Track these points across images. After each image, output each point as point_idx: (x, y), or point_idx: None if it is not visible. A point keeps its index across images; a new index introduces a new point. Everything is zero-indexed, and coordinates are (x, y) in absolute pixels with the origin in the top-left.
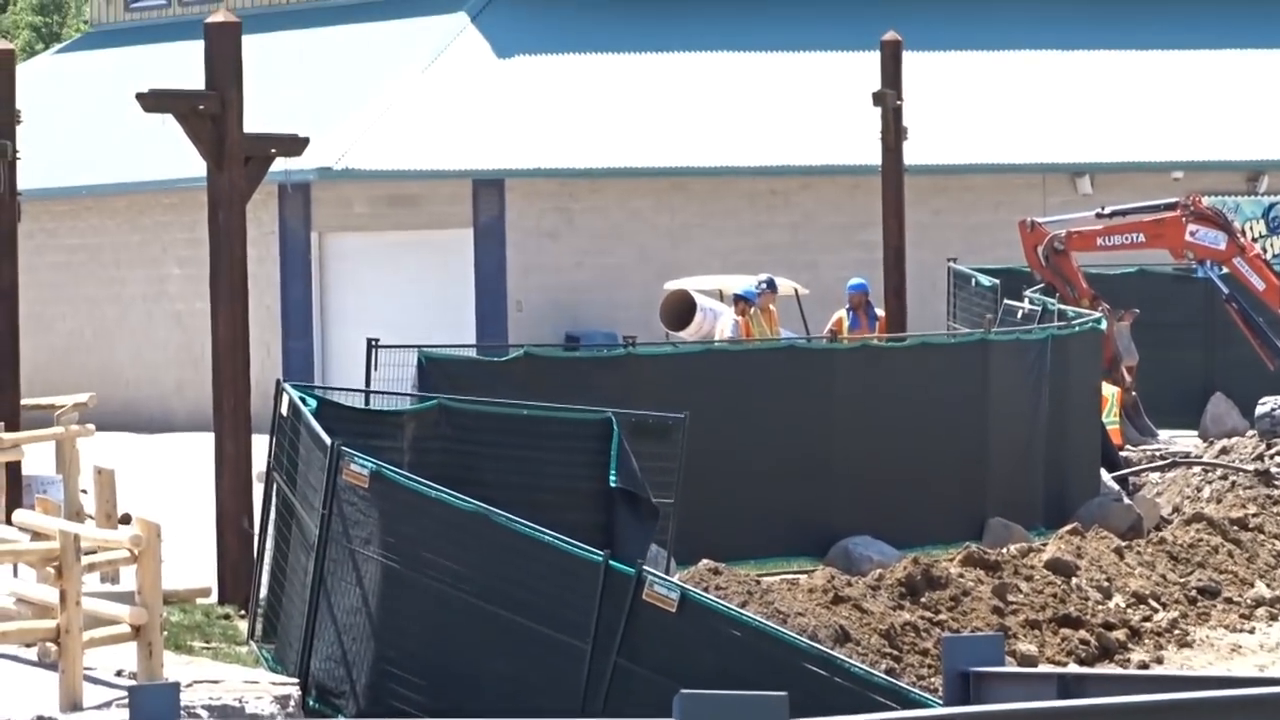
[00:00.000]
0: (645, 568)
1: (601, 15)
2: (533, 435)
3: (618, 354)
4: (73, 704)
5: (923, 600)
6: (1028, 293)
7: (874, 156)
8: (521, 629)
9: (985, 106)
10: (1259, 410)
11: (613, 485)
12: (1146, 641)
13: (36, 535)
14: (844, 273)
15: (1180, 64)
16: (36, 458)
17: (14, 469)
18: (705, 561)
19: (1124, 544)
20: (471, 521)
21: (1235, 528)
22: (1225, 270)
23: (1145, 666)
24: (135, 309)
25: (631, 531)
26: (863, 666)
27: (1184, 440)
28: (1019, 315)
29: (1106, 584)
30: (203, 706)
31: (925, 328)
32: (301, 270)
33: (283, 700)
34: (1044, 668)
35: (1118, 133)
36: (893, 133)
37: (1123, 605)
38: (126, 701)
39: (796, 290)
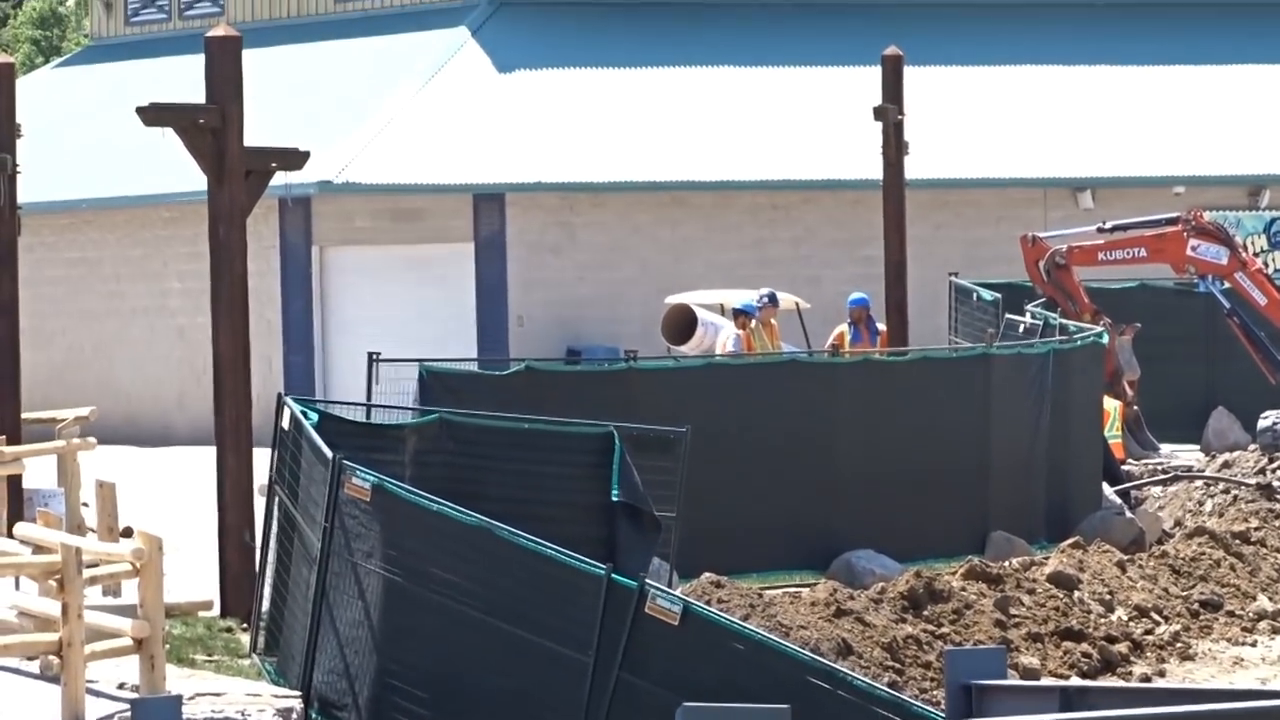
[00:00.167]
0: (647, 581)
1: (603, 29)
2: (534, 449)
3: (619, 368)
4: (75, 717)
5: (925, 613)
6: (1029, 307)
7: (875, 171)
8: (524, 642)
9: (986, 121)
10: (1261, 424)
11: (615, 499)
12: (1149, 654)
13: (38, 549)
14: (845, 287)
15: (1182, 79)
16: (38, 471)
17: (15, 482)
18: (708, 575)
19: (1126, 557)
20: (473, 535)
21: (1237, 541)
22: (1227, 285)
23: (1147, 679)
24: (136, 323)
25: (634, 545)
26: (865, 680)
27: (1186, 454)
28: (1020, 330)
29: (1109, 597)
30: (205, 719)
31: (927, 342)
32: (302, 284)
33: (285, 713)
34: (1046, 681)
35: (1119, 147)
36: (894, 147)
37: (1125, 618)
38: (129, 715)
39: (798, 305)
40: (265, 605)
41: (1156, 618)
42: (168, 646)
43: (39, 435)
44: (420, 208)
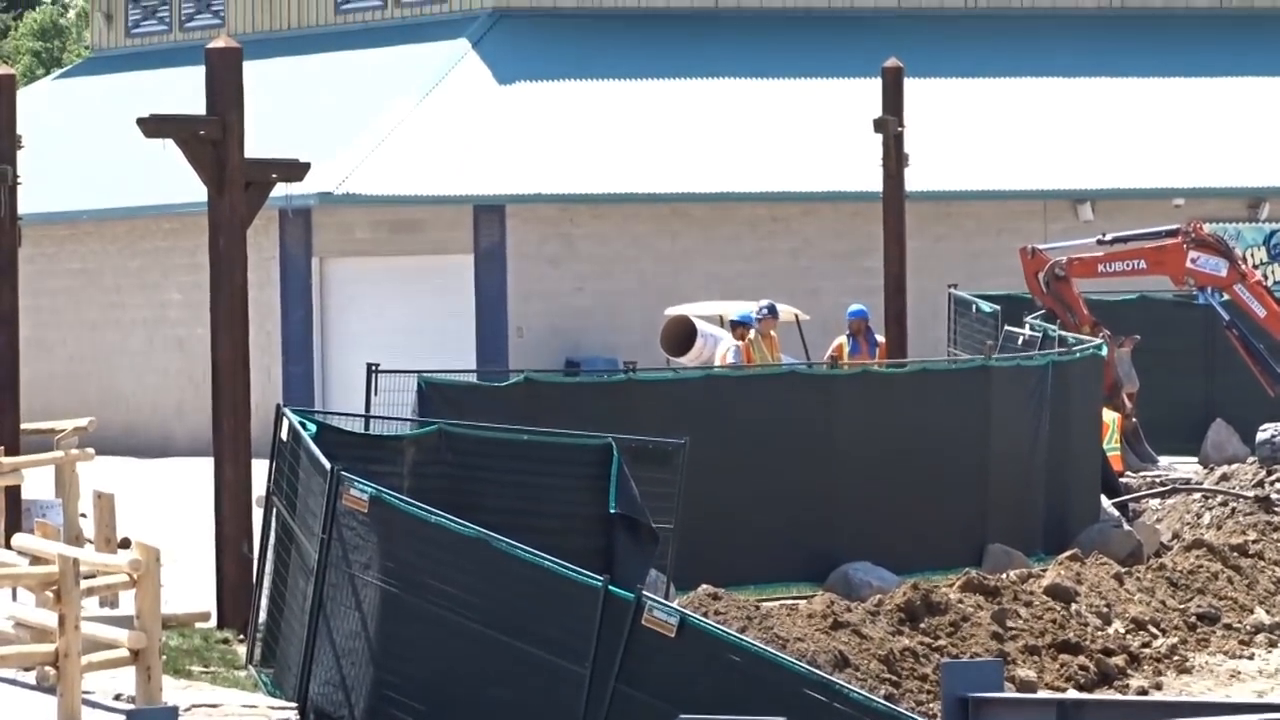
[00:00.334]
0: (644, 593)
1: (603, 41)
2: (533, 460)
3: (618, 379)
4: None
5: (922, 626)
6: (1029, 319)
7: (875, 183)
8: (521, 654)
9: (986, 133)
10: (1259, 437)
11: (612, 511)
12: (1145, 667)
13: (36, 559)
14: (845, 299)
15: (1181, 91)
16: (36, 482)
17: (13, 493)
18: (705, 587)
19: (1124, 570)
20: (471, 546)
21: (1235, 554)
22: (1226, 297)
23: (1144, 692)
24: (136, 334)
25: (631, 557)
26: (862, 692)
27: (1184, 466)
28: (1020, 341)
29: (1106, 610)
30: None
31: (926, 354)
32: (302, 295)
33: None
34: (1043, 693)
35: (1119, 159)
36: (894, 159)
37: (1122, 631)
38: None
39: (797, 316)
40: (262, 616)
41: (1154, 630)
42: (164, 657)
43: (38, 446)
44: (420, 219)
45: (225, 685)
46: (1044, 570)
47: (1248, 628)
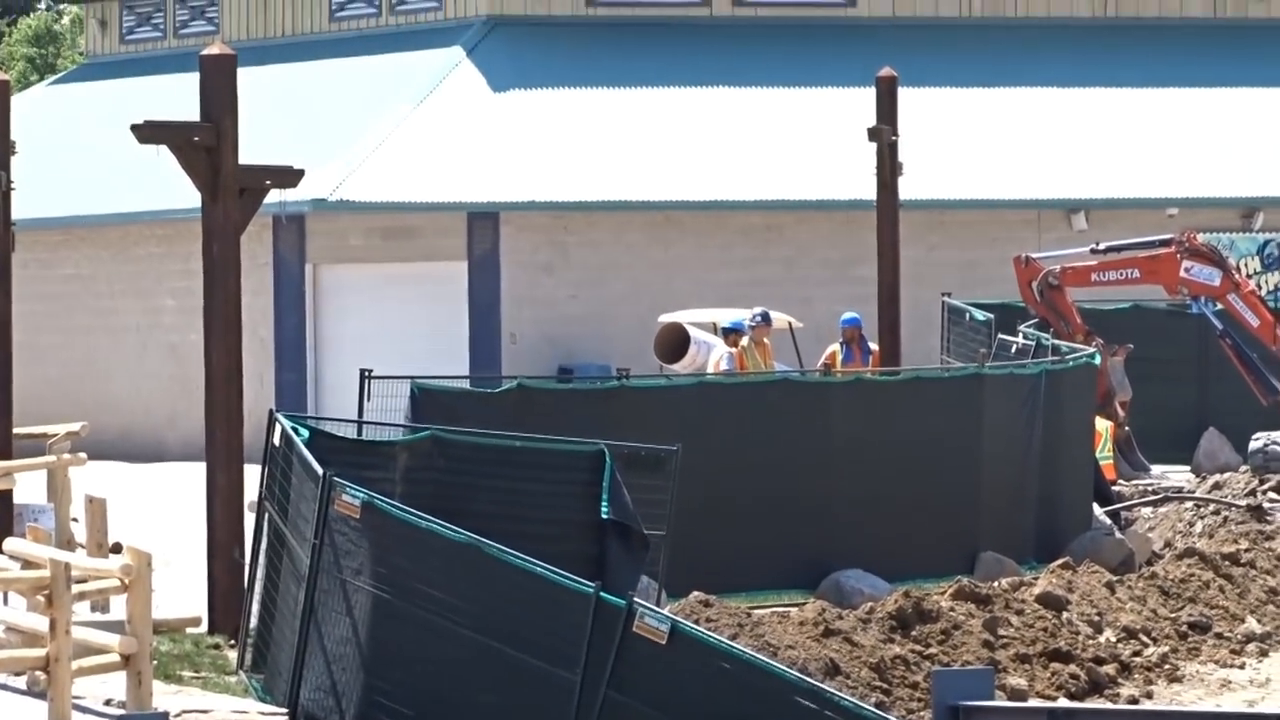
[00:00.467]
0: (636, 600)
1: (597, 49)
2: (525, 467)
3: (611, 386)
4: None
5: (913, 634)
6: (1022, 328)
7: (869, 192)
8: (512, 660)
9: (980, 142)
10: (1252, 446)
11: (605, 517)
12: (1136, 676)
13: (27, 564)
14: (838, 307)
15: (1176, 101)
16: (28, 486)
17: (6, 497)
18: (696, 594)
19: (1115, 578)
20: (463, 553)
21: (1227, 563)
22: (1219, 306)
23: (1135, 701)
24: (129, 339)
25: (623, 563)
26: (853, 700)
27: (1177, 475)
28: (1013, 350)
29: (1097, 618)
30: None
31: (919, 362)
32: (295, 302)
33: None
34: (1034, 702)
35: (1113, 169)
36: (888, 168)
37: (1113, 640)
38: None
39: (791, 324)
40: (253, 622)
41: (1145, 639)
42: (155, 663)
43: (30, 450)
44: (414, 226)
45: (216, 691)
46: (1035, 578)
47: (1239, 637)
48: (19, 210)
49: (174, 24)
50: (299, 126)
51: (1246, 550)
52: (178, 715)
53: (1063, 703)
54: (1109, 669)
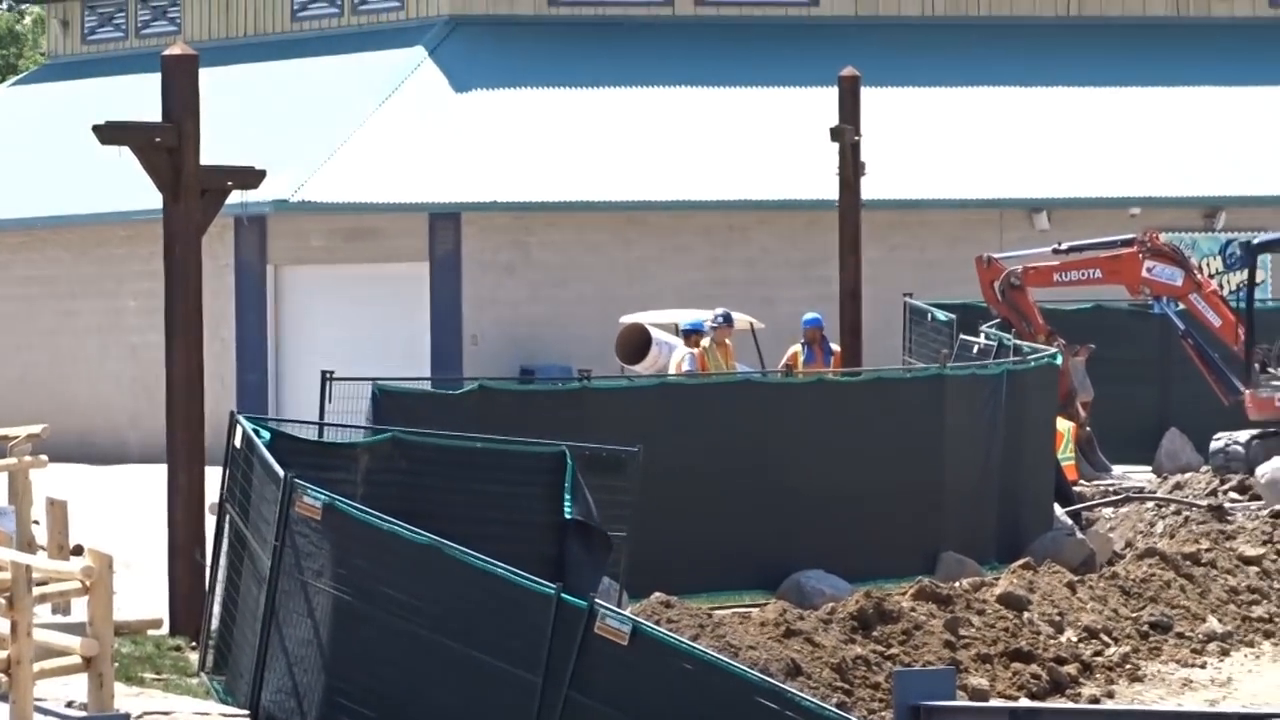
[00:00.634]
0: (597, 601)
1: (559, 49)
2: (486, 468)
3: (572, 387)
4: None
5: (874, 634)
6: (984, 328)
7: (831, 192)
8: (473, 661)
9: (943, 142)
10: (1213, 446)
11: (567, 518)
12: (1098, 676)
13: None
14: (800, 307)
15: (1137, 100)
16: None
17: None
18: (657, 595)
19: (1076, 578)
20: (424, 554)
21: (1188, 563)
22: (1181, 306)
23: (1096, 701)
24: (90, 341)
25: (584, 564)
26: (814, 700)
27: (1138, 475)
28: (975, 350)
29: (1058, 618)
30: None
31: (881, 363)
32: (257, 303)
33: None
34: (995, 702)
35: (1075, 169)
36: (850, 168)
37: (1074, 640)
38: None
39: (752, 325)
40: (215, 623)
41: (1106, 639)
42: (116, 665)
43: None
44: (376, 227)
45: (177, 692)
46: (997, 578)
47: (1200, 636)
48: None
49: (136, 24)
50: (261, 127)
51: (1207, 550)
52: (139, 717)
53: (1024, 702)
54: (1070, 669)
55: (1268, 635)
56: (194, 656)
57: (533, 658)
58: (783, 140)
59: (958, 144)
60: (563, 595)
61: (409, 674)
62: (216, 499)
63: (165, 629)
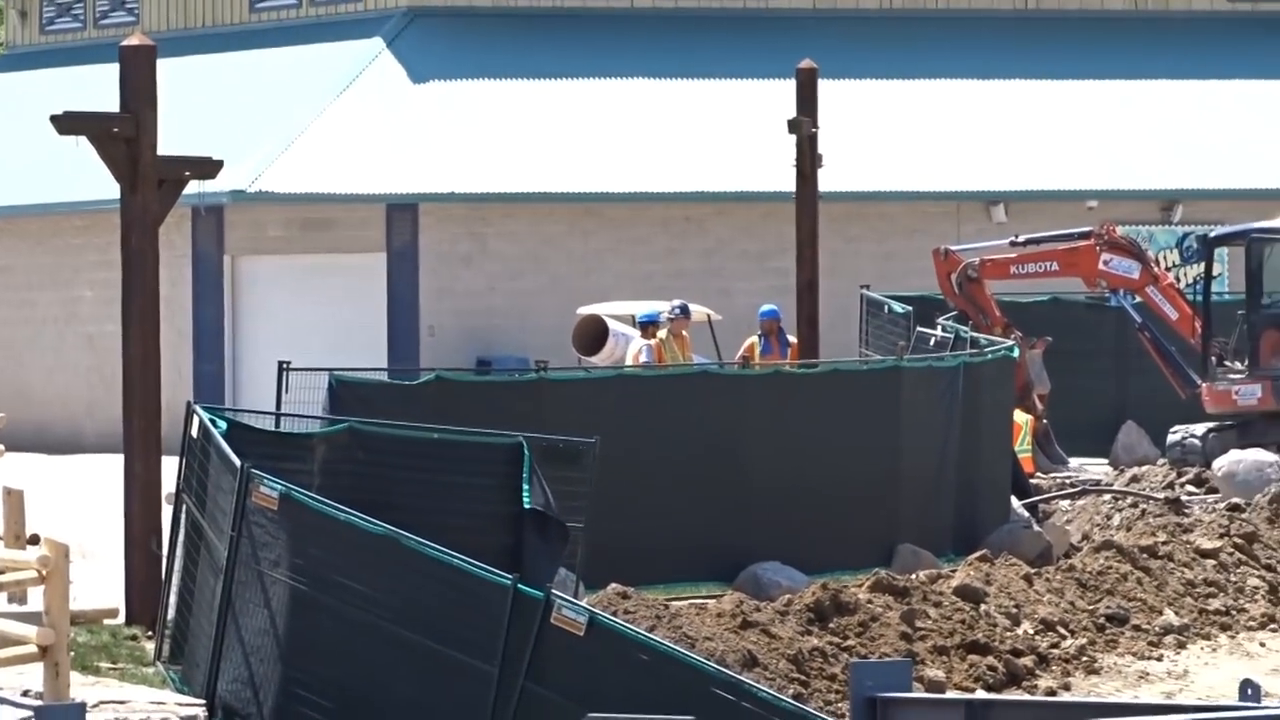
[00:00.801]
0: (554, 591)
1: (517, 41)
2: (444, 459)
3: (529, 379)
4: None
5: (831, 626)
6: (941, 320)
7: (788, 184)
8: (430, 652)
9: (900, 134)
10: (1170, 439)
11: (526, 507)
12: (1054, 668)
13: None
14: (757, 299)
15: (1095, 93)
16: None
17: None
18: (614, 586)
19: (1033, 571)
20: (380, 544)
21: (1145, 555)
22: (1138, 299)
23: (1053, 693)
24: (47, 331)
25: (541, 555)
26: (770, 691)
27: (1095, 468)
28: (931, 343)
29: (1015, 610)
30: None
31: (838, 354)
32: (214, 293)
33: None
34: (951, 694)
35: (1032, 161)
36: (808, 160)
37: (1031, 632)
38: None
39: (709, 316)
40: (171, 613)
41: (1063, 631)
42: (73, 654)
43: None
44: (333, 217)
45: (133, 682)
46: (953, 571)
47: (1156, 629)
48: None
49: (94, 14)
50: (218, 118)
51: (1164, 543)
52: (95, 706)
53: (980, 694)
54: (1027, 661)
55: (1224, 628)
56: (150, 646)
57: (489, 648)
58: (740, 132)
59: (915, 137)
60: (519, 586)
61: (365, 664)
62: (173, 489)
63: (122, 618)
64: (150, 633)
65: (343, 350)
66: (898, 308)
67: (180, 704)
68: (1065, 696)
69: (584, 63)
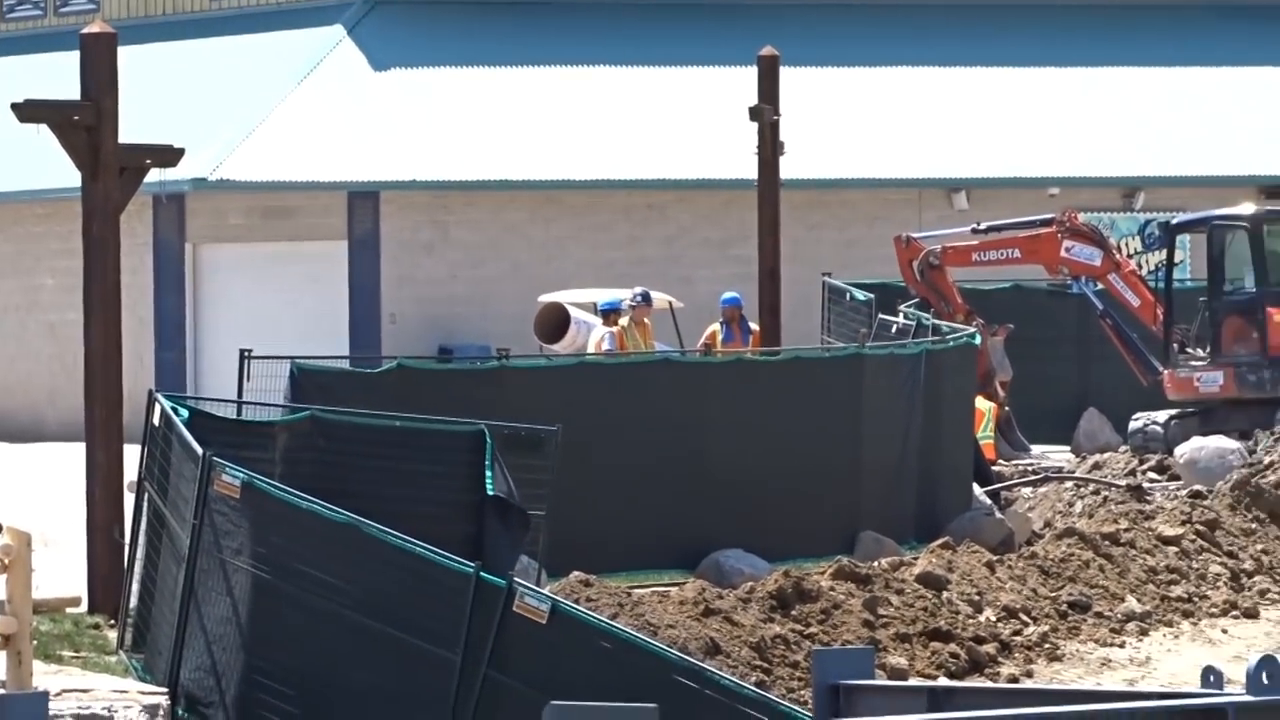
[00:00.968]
0: (516, 579)
1: (478, 28)
2: (405, 447)
3: (491, 366)
4: None
5: (793, 613)
6: (902, 307)
7: (750, 171)
8: (392, 640)
9: (862, 122)
10: (1132, 426)
11: (489, 494)
12: (1017, 655)
13: None
14: (719, 287)
15: (1056, 81)
16: None
17: None
18: (576, 573)
19: (995, 558)
20: (342, 533)
21: (1107, 543)
22: (1100, 286)
23: (1015, 680)
24: (8, 319)
25: (502, 543)
26: (733, 679)
27: (1057, 455)
28: (893, 330)
29: (977, 598)
30: (71, 716)
31: (800, 342)
32: (175, 281)
33: (152, 710)
34: (914, 681)
35: (994, 148)
36: (769, 147)
37: (993, 619)
38: None
39: (671, 304)
40: (133, 602)
41: (1025, 618)
42: (35, 643)
43: None
44: (294, 205)
45: (96, 670)
46: (915, 558)
47: (1119, 616)
48: None
49: (55, 2)
50: (180, 105)
51: (1126, 530)
52: (58, 695)
53: (943, 681)
54: (989, 648)
55: (1186, 615)
56: (113, 634)
57: (451, 636)
58: (702, 119)
59: (877, 124)
60: (481, 574)
61: (328, 653)
62: (135, 477)
63: (84, 607)
64: (113, 621)
65: (304, 338)
66: (860, 295)
67: (143, 692)
68: (1027, 683)
69: (545, 50)
